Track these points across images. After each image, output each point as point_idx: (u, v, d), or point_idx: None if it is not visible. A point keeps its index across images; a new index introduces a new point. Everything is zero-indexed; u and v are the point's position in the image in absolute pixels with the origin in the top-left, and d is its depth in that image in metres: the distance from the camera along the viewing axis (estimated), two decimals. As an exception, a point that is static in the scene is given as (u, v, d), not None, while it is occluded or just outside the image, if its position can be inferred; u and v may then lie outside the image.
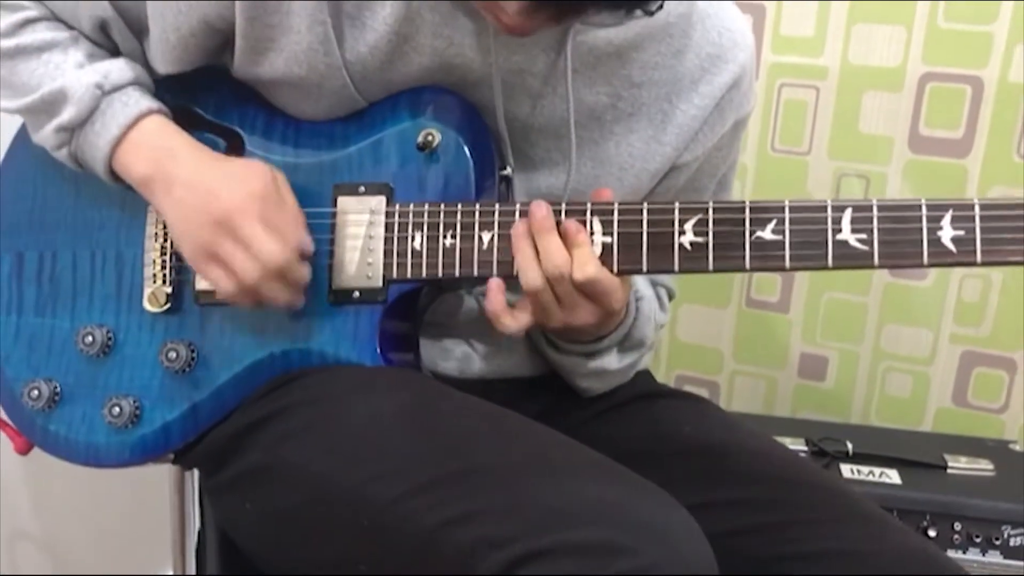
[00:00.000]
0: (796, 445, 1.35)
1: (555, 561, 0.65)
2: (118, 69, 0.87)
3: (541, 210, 0.81)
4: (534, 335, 0.97)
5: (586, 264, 0.80)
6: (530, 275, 0.81)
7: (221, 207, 0.82)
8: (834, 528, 0.82)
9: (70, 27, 0.91)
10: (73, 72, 0.87)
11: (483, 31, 0.84)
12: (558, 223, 0.81)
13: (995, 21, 1.40)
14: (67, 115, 0.86)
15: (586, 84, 0.89)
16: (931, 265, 0.75)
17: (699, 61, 0.91)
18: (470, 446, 0.75)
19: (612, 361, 0.94)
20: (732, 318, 1.64)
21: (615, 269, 0.81)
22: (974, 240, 0.73)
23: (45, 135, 0.88)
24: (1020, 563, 1.22)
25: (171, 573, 1.24)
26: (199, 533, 1.04)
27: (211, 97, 0.92)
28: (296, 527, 0.81)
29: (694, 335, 1.67)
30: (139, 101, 0.87)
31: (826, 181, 1.53)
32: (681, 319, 1.67)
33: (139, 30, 0.90)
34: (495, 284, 0.83)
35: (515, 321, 0.84)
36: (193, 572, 1.14)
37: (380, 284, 0.86)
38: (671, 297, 1.09)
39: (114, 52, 0.92)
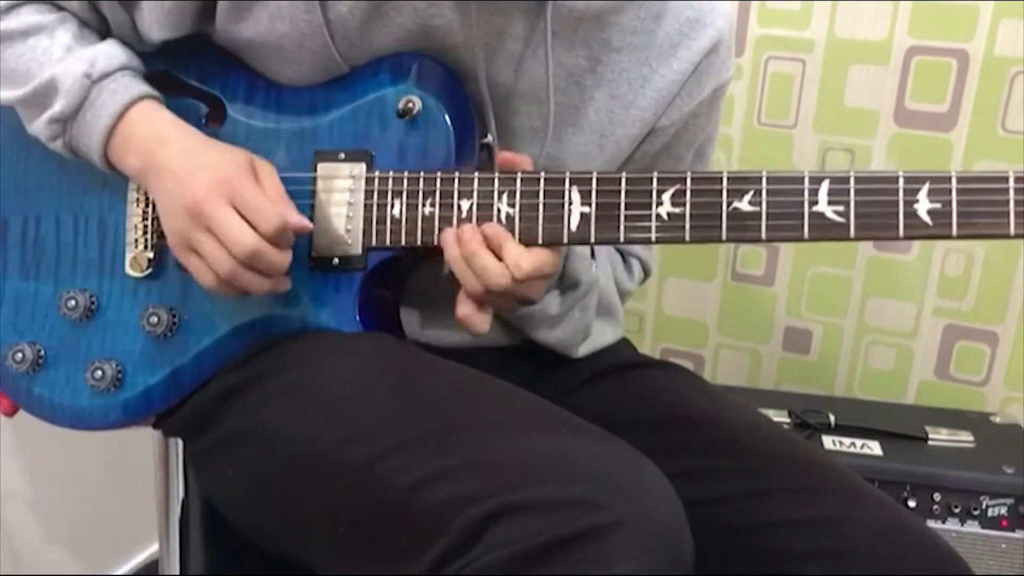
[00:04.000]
0: (779, 417, 1.37)
1: (525, 517, 0.65)
2: (105, 55, 0.86)
3: (466, 233, 0.82)
4: None
5: (520, 261, 0.80)
6: (480, 295, 0.82)
7: (191, 195, 0.81)
8: (814, 497, 0.83)
9: (57, 7, 0.89)
10: (61, 59, 0.85)
11: None
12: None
13: (981, -6, 1.40)
14: (58, 107, 0.85)
15: (565, 47, 0.89)
16: (907, 238, 0.75)
17: (678, 25, 0.92)
18: (444, 406, 0.76)
19: (553, 304, 0.93)
20: (717, 291, 1.64)
21: (592, 239, 0.81)
22: (950, 213, 0.73)
23: (39, 127, 0.87)
24: (998, 533, 1.23)
25: (156, 544, 1.25)
26: (183, 504, 1.05)
27: (193, 62, 0.91)
28: (276, 491, 0.81)
29: (680, 308, 1.68)
30: (128, 88, 0.86)
31: (811, 155, 1.53)
32: (667, 292, 1.68)
33: (128, 1, 0.88)
34: (463, 295, 0.84)
35: (484, 320, 0.85)
36: (177, 542, 1.14)
37: (359, 251, 0.86)
38: (646, 272, 1.09)
39: (103, 29, 0.91)
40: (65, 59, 0.86)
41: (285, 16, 0.84)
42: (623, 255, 1.06)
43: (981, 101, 1.43)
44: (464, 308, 0.84)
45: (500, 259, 0.81)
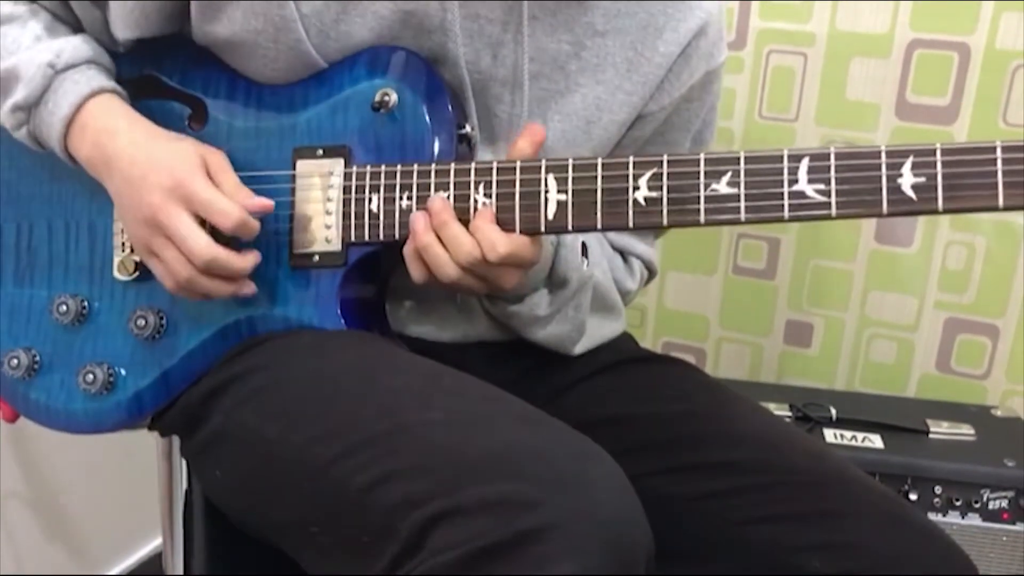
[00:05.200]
0: (780, 410, 1.36)
1: (467, 518, 0.64)
2: (72, 47, 0.87)
3: (436, 203, 0.81)
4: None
5: (496, 244, 0.79)
6: (445, 270, 0.81)
7: (147, 204, 0.81)
8: (815, 491, 0.83)
9: (31, 2, 0.90)
10: (27, 49, 0.86)
11: None
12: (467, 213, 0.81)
13: (983, -13, 1.40)
14: (19, 94, 0.85)
15: (547, 32, 0.88)
16: (891, 215, 0.72)
17: (663, 7, 0.91)
18: (399, 404, 0.75)
19: (542, 304, 0.92)
20: (718, 285, 1.64)
21: (569, 227, 0.80)
22: (936, 187, 0.71)
23: (3, 116, 0.88)
24: (999, 526, 1.23)
25: (159, 538, 1.25)
26: (185, 495, 1.05)
27: (175, 65, 0.92)
28: (254, 490, 0.82)
29: (681, 302, 1.68)
30: (91, 80, 0.86)
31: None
32: (668, 286, 1.68)
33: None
34: (409, 252, 0.83)
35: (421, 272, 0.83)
36: (180, 534, 1.15)
37: (339, 248, 0.86)
38: (651, 271, 1.08)
39: (77, 25, 0.92)
40: (32, 48, 0.86)
41: (258, 12, 0.84)
42: (623, 254, 1.05)
43: (982, 94, 1.42)
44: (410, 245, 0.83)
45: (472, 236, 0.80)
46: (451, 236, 0.80)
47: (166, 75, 0.92)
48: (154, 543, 1.58)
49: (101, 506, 1.50)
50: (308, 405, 0.78)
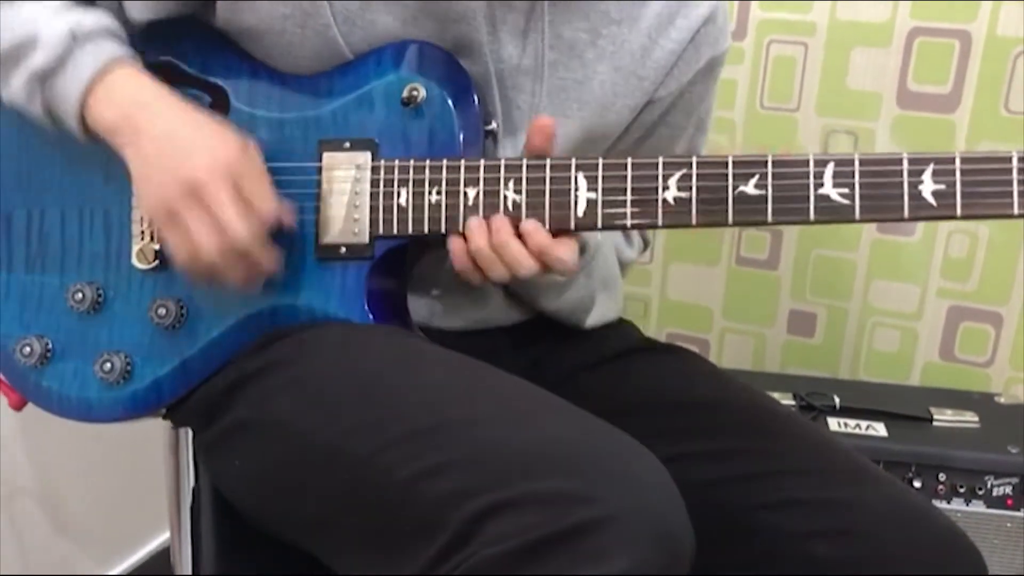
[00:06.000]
0: (784, 400, 1.37)
1: (519, 511, 0.65)
2: (92, 18, 0.85)
3: (497, 221, 0.82)
4: None
5: (556, 248, 0.80)
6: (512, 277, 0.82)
7: (191, 169, 0.79)
8: (821, 478, 0.83)
9: None
10: (46, 18, 0.84)
11: None
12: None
13: (983, -25, 1.40)
14: (37, 60, 0.83)
15: (564, 20, 0.89)
16: (912, 219, 0.76)
17: None
18: (442, 399, 0.75)
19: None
20: (722, 276, 1.65)
21: (599, 224, 0.81)
22: (954, 194, 0.74)
23: (15, 88, 0.85)
24: (1003, 512, 1.24)
25: (167, 533, 1.25)
26: (193, 491, 1.06)
27: (196, 52, 0.91)
28: (280, 483, 0.82)
29: (684, 293, 1.68)
30: (113, 49, 0.85)
31: (815, 138, 1.53)
32: (671, 278, 1.68)
33: None
34: (457, 245, 0.83)
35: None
36: (188, 530, 1.15)
37: (367, 240, 0.86)
38: (645, 241, 1.10)
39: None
40: (51, 18, 0.84)
41: None
42: None
43: (984, 82, 1.43)
44: (462, 262, 0.84)
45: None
46: (511, 258, 0.81)
47: (187, 62, 0.91)
48: (161, 538, 1.59)
49: (106, 501, 1.50)
50: (348, 397, 0.78)
